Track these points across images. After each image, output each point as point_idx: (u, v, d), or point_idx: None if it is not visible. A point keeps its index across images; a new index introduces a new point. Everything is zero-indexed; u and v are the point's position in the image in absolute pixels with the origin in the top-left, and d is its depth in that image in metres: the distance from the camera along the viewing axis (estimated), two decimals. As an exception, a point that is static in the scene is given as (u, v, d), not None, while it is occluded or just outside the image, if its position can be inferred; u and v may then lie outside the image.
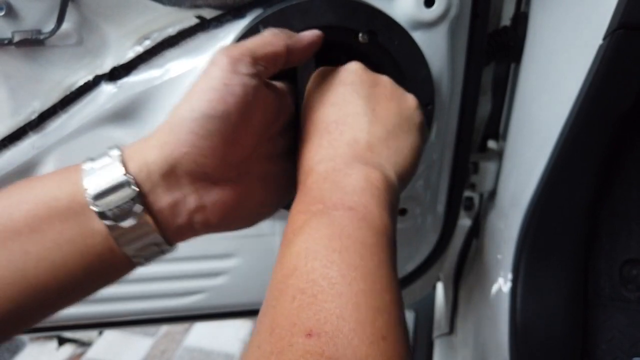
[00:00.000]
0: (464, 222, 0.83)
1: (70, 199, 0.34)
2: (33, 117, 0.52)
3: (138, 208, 0.35)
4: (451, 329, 0.98)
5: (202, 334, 1.69)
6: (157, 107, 0.52)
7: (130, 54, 0.51)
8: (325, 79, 0.45)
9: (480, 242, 0.80)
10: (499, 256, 0.68)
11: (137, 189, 0.35)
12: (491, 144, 0.75)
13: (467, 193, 0.79)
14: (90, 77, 0.51)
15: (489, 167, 0.71)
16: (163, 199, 0.36)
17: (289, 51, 0.42)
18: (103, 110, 0.52)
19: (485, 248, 0.76)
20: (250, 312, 0.69)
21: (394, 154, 0.41)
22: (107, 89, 0.51)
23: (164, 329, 1.72)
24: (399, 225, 0.65)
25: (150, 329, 1.72)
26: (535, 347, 0.63)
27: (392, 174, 0.40)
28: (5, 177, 0.54)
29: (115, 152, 0.37)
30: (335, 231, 0.32)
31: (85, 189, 0.34)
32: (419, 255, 0.72)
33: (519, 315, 0.63)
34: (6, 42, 0.48)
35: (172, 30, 0.50)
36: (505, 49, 0.61)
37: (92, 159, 0.37)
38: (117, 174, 0.35)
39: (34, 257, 0.33)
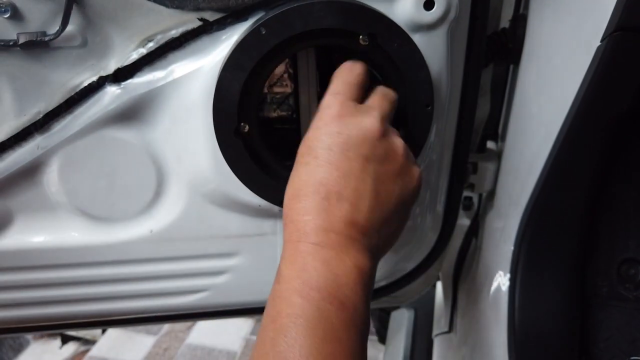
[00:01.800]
0: (463, 221, 0.84)
1: None
2: (38, 118, 0.52)
3: None
4: (450, 327, 0.99)
5: (204, 332, 1.70)
6: (161, 108, 0.53)
7: (134, 56, 0.51)
8: (338, 129, 0.43)
9: (479, 242, 0.80)
10: (497, 255, 0.68)
11: None
12: (490, 144, 0.76)
13: (466, 193, 0.79)
14: (94, 79, 0.52)
15: (488, 167, 0.71)
16: None
17: None
18: (107, 111, 0.52)
19: (484, 247, 0.76)
20: (252, 311, 0.70)
21: (382, 242, 0.44)
22: (111, 90, 0.52)
23: (167, 327, 1.73)
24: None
25: (153, 327, 1.73)
26: (533, 346, 0.63)
27: (375, 259, 0.43)
28: (10, 176, 0.55)
29: None
30: (328, 333, 0.36)
31: None
32: (418, 255, 0.73)
33: (517, 314, 0.63)
34: (11, 43, 0.49)
35: (175, 33, 0.51)
36: (504, 50, 0.62)
37: None
38: None
39: None
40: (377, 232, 0.43)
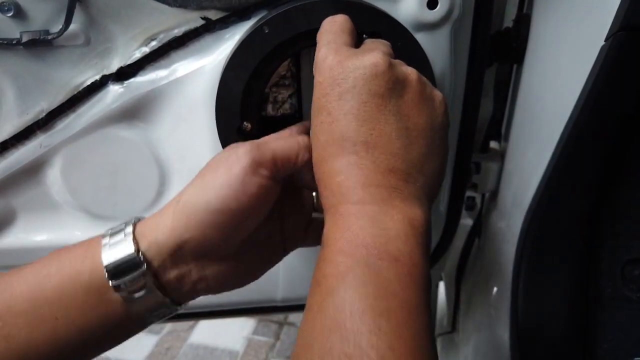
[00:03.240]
0: (466, 221, 0.83)
1: (90, 273, 0.39)
2: (41, 116, 0.52)
3: (149, 281, 0.39)
4: (453, 327, 0.99)
5: (206, 331, 1.70)
6: (164, 107, 0.53)
7: (137, 55, 0.51)
8: (342, 72, 0.39)
9: (482, 242, 0.80)
10: (500, 256, 0.68)
11: (146, 266, 0.39)
12: (493, 144, 0.75)
13: (469, 193, 0.79)
14: (97, 77, 0.52)
15: (491, 167, 0.71)
16: (170, 273, 0.41)
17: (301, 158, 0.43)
18: (110, 110, 0.52)
19: (487, 247, 0.76)
20: (254, 310, 0.70)
21: (429, 180, 0.40)
22: (114, 89, 0.52)
23: (169, 326, 1.73)
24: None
25: (155, 326, 1.73)
26: (536, 347, 0.63)
27: (427, 205, 0.39)
28: (13, 175, 0.55)
29: (129, 229, 0.41)
30: (381, 289, 0.32)
31: (104, 265, 0.39)
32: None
33: (520, 315, 0.63)
34: (14, 42, 0.49)
35: (178, 31, 0.51)
36: (507, 50, 0.62)
37: (111, 232, 0.41)
38: (129, 251, 0.39)
39: (62, 322, 0.38)
40: (421, 172, 0.39)
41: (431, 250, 0.72)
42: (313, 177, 0.41)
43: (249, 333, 1.68)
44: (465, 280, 0.89)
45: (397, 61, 0.42)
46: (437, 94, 0.43)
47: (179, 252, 0.40)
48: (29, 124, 0.53)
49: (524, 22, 0.60)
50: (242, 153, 0.40)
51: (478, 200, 0.82)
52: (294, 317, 1.72)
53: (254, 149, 0.40)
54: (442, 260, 0.75)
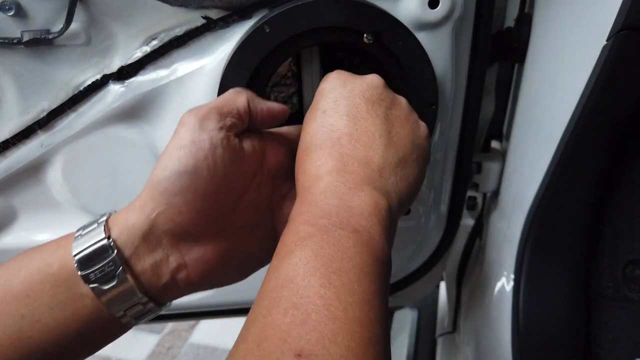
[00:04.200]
0: (467, 221, 0.83)
1: (60, 264, 0.37)
2: (42, 115, 0.52)
3: (119, 271, 0.37)
4: (454, 327, 0.99)
5: (207, 331, 1.70)
6: (164, 107, 0.53)
7: (138, 54, 0.51)
8: (342, 84, 0.44)
9: (483, 242, 0.80)
10: (501, 255, 0.68)
11: (117, 252, 0.37)
12: (494, 144, 0.75)
13: (470, 193, 0.79)
14: (98, 77, 0.52)
15: (492, 167, 0.71)
16: (145, 261, 0.38)
17: (252, 111, 0.44)
18: (111, 109, 0.52)
19: (488, 247, 0.76)
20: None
21: (400, 182, 0.41)
22: (114, 89, 0.52)
23: (170, 326, 1.73)
24: (403, 224, 0.65)
25: (156, 326, 1.73)
26: (538, 346, 0.63)
27: (395, 202, 0.40)
28: (14, 174, 0.55)
29: (103, 218, 0.40)
30: (337, 252, 0.32)
31: (73, 255, 0.37)
32: (422, 254, 0.73)
33: (521, 315, 0.63)
34: (15, 41, 0.49)
35: (179, 31, 0.51)
36: (509, 49, 0.62)
37: (85, 224, 0.39)
38: (99, 238, 0.37)
39: (28, 320, 0.36)
40: (394, 173, 0.41)
41: (432, 251, 0.73)
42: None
43: (249, 333, 1.68)
44: (466, 280, 0.89)
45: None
46: (422, 124, 0.46)
47: (152, 234, 0.38)
48: (30, 123, 0.53)
49: (525, 21, 0.60)
50: (185, 115, 0.40)
51: (479, 200, 0.82)
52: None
53: (196, 108, 0.41)
54: (443, 260, 0.75)
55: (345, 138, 0.40)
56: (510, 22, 0.63)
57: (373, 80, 0.45)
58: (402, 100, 0.46)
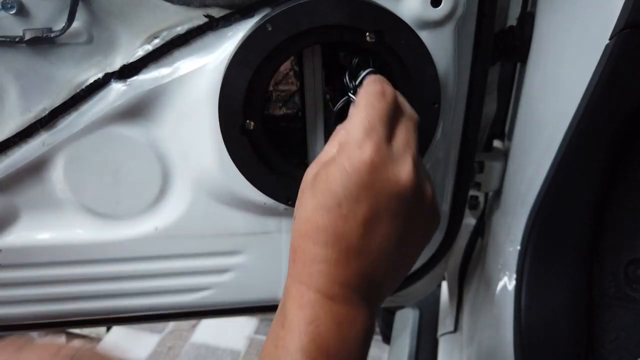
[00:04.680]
0: (469, 221, 0.83)
1: None
2: (44, 114, 0.52)
3: None
4: (456, 327, 0.98)
5: (208, 330, 1.70)
6: (166, 105, 0.53)
7: (140, 53, 0.51)
8: (371, 181, 0.39)
9: (485, 241, 0.80)
10: (503, 255, 0.68)
11: None
12: (497, 143, 0.75)
13: (472, 192, 0.79)
14: (100, 75, 0.52)
15: (495, 166, 0.71)
16: None
17: None
18: (113, 108, 0.52)
19: (490, 247, 0.76)
20: (255, 309, 0.70)
21: (393, 284, 0.43)
22: (116, 87, 0.52)
23: (171, 325, 1.73)
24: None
25: (158, 325, 1.73)
26: (539, 346, 0.63)
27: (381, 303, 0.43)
28: (16, 173, 0.55)
29: None
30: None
31: None
32: (424, 254, 0.72)
33: (523, 314, 0.63)
34: (17, 40, 0.49)
35: (181, 29, 0.51)
36: (511, 48, 0.61)
37: None
38: None
39: None
40: (392, 282, 0.43)
41: (434, 250, 0.73)
42: None
43: (251, 332, 1.68)
44: (468, 279, 0.89)
45: (422, 170, 0.42)
46: (438, 216, 0.44)
47: None
48: (32, 122, 0.53)
49: (527, 20, 0.60)
50: None
51: (481, 199, 0.82)
52: (296, 316, 1.72)
53: None
54: (445, 260, 0.74)
55: (354, 251, 0.38)
56: (513, 20, 0.63)
57: (406, 181, 0.39)
58: (429, 194, 0.42)
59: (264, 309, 0.69)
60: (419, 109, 0.49)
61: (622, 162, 0.59)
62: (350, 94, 0.49)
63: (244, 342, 1.65)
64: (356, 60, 0.53)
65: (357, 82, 0.49)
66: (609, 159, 0.55)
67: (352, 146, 0.39)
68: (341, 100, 0.50)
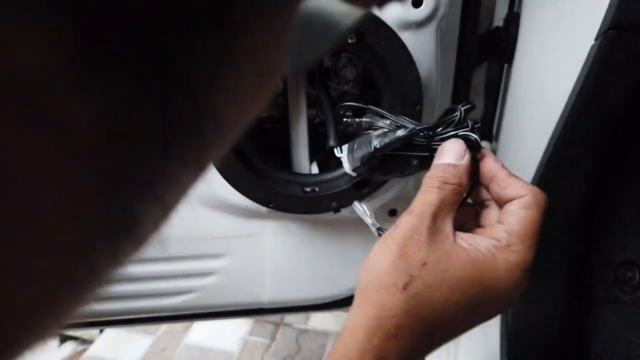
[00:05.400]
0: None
1: None
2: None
3: None
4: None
5: (201, 332, 1.70)
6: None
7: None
8: (479, 277, 0.39)
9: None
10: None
11: None
12: (484, 144, 0.75)
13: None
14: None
15: (483, 168, 0.70)
16: None
17: None
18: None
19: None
20: (240, 312, 0.69)
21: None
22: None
23: (164, 327, 1.73)
24: (390, 225, 0.65)
25: (151, 327, 1.73)
26: (528, 349, 0.63)
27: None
28: None
29: None
30: None
31: None
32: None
33: (511, 317, 0.63)
34: None
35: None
36: (497, 49, 0.61)
37: None
38: None
39: None
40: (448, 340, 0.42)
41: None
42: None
43: (244, 334, 1.68)
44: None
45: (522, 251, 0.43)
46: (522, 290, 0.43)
47: None
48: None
49: (514, 21, 0.59)
50: None
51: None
52: (290, 318, 1.71)
53: None
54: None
55: (436, 337, 0.40)
56: (499, 21, 0.63)
57: (510, 275, 0.40)
58: (524, 280, 0.42)
59: (249, 312, 0.69)
60: (401, 111, 0.48)
61: (610, 163, 0.59)
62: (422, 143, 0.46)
63: (237, 343, 1.65)
64: (340, 62, 0.52)
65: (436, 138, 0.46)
66: (597, 160, 0.55)
67: (439, 223, 0.42)
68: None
